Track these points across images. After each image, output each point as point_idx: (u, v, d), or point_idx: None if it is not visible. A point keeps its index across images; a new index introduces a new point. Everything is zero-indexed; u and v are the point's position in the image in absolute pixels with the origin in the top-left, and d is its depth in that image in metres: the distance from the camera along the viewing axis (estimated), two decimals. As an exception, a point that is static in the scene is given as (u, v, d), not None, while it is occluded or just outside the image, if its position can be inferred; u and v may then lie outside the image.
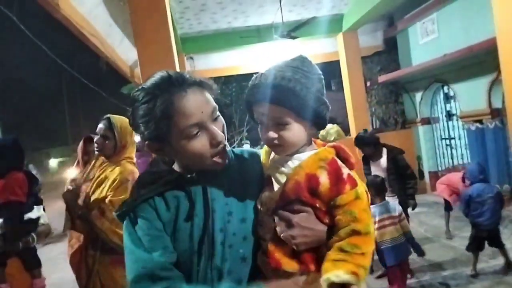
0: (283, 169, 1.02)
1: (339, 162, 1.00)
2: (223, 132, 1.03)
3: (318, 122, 1.02)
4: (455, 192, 4.46)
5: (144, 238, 0.98)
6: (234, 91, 12.88)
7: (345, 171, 0.99)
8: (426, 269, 4.00)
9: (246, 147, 9.47)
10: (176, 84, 0.98)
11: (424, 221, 5.64)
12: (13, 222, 2.29)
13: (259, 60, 7.92)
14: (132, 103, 1.02)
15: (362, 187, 1.00)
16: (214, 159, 1.01)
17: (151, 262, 0.95)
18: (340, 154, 1.02)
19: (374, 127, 8.04)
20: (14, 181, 2.37)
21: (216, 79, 10.59)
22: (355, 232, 0.94)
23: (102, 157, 2.45)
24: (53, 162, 30.50)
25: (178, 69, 3.15)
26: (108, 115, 2.44)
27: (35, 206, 2.45)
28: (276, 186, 1.02)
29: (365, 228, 0.95)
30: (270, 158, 1.09)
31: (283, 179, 1.00)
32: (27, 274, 2.35)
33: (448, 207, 4.83)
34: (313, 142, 1.07)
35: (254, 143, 11.13)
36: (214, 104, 1.02)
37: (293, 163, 1.01)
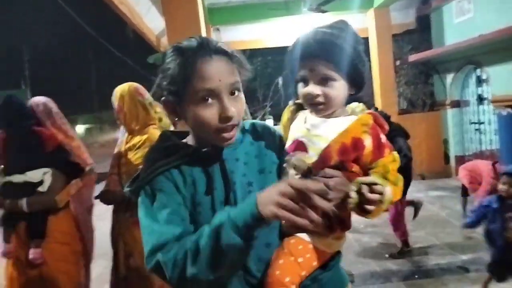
0: (320, 132, 1.03)
1: (378, 127, 1.03)
2: (239, 111, 0.99)
3: (358, 83, 1.07)
4: (477, 181, 4.35)
5: (162, 211, 0.96)
6: (259, 65, 12.75)
7: (383, 136, 1.04)
8: (446, 252, 3.97)
9: (269, 122, 9.44)
10: (204, 47, 0.97)
11: (447, 205, 5.57)
12: None
13: (286, 33, 7.78)
14: (163, 57, 1.03)
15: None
16: (220, 134, 0.98)
17: (167, 234, 0.93)
18: (376, 120, 1.04)
19: (401, 107, 7.86)
20: None
21: (241, 52, 10.52)
22: (386, 179, 1.00)
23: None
24: (79, 128, 31.25)
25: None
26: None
27: (39, 169, 2.34)
28: (311, 149, 1.02)
29: (395, 180, 1.02)
30: (296, 123, 1.10)
31: (321, 142, 1.01)
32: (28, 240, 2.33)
33: (465, 193, 4.74)
34: (346, 107, 1.10)
35: (277, 119, 11.08)
36: (237, 79, 0.99)
37: (332, 127, 1.03)
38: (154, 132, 2.38)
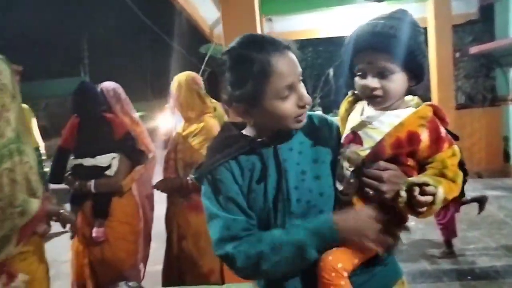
0: (376, 124, 1.02)
1: (437, 120, 1.00)
2: None
3: (418, 75, 1.04)
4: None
5: (222, 201, 1.05)
6: (310, 55, 12.62)
7: (443, 129, 1.01)
8: (501, 254, 3.78)
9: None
10: (271, 44, 1.01)
11: (505, 205, 5.28)
12: (54, 164, 2.49)
13: (339, 24, 7.63)
14: (221, 65, 1.04)
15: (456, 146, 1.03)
16: (296, 120, 1.04)
17: (233, 223, 1.02)
18: (436, 113, 1.01)
19: (459, 102, 7.51)
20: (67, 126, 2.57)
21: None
22: (443, 175, 0.97)
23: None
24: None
25: (259, 31, 3.14)
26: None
27: (108, 154, 2.48)
28: (366, 142, 1.02)
29: (454, 176, 0.98)
30: (353, 114, 1.10)
31: (376, 135, 1.01)
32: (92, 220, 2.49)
33: None
34: (404, 99, 1.07)
35: (326, 111, 10.93)
36: (300, 68, 1.05)
37: (388, 119, 1.01)
38: (210, 121, 2.46)
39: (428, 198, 0.92)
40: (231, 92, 1.03)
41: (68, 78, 23.54)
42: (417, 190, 0.93)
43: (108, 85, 2.75)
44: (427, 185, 0.93)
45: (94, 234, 2.43)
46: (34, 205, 1.74)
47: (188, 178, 2.41)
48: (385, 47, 0.98)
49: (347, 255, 1.00)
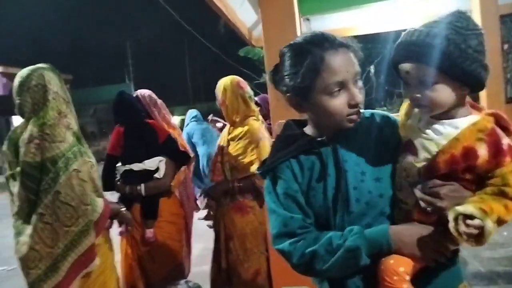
0: (432, 135, 0.99)
1: (499, 131, 0.94)
2: (362, 97, 1.06)
3: (470, 83, 0.96)
4: None
5: (282, 198, 1.09)
6: (348, 54, 12.41)
7: (505, 141, 0.94)
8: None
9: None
10: (328, 41, 1.04)
11: None
12: (104, 172, 2.54)
13: (378, 20, 7.45)
14: (280, 56, 1.09)
15: None
16: (348, 119, 1.05)
17: (290, 221, 1.07)
18: (499, 122, 0.96)
19: (509, 96, 7.13)
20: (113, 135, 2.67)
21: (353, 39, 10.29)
22: (502, 193, 0.91)
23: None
24: (175, 119, 33.31)
25: (299, 31, 3.15)
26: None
27: (155, 158, 2.57)
28: (421, 153, 1.00)
29: None
30: (411, 120, 1.06)
31: (431, 146, 0.98)
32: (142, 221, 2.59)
33: None
34: (467, 105, 1.01)
35: (368, 109, 10.69)
36: (358, 68, 1.05)
37: (444, 129, 0.97)
38: (254, 124, 2.52)
39: (472, 231, 0.88)
40: (286, 82, 1.07)
41: (114, 84, 24.50)
42: (462, 220, 0.89)
43: (144, 92, 2.86)
44: (472, 217, 0.88)
45: (146, 235, 2.54)
46: (101, 202, 1.91)
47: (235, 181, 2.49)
48: (420, 57, 0.94)
49: (408, 259, 0.99)
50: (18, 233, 1.84)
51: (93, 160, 1.97)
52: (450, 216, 0.91)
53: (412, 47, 0.95)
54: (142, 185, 2.52)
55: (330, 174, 1.08)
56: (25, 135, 1.83)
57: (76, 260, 1.81)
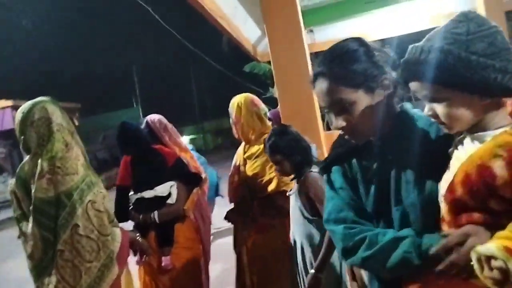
0: (460, 150, 0.92)
1: None
2: None
3: (487, 91, 0.86)
4: None
5: (339, 191, 1.16)
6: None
7: None
8: None
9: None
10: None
11: None
12: (116, 204, 2.45)
13: (384, 26, 7.43)
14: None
15: None
16: None
17: (346, 208, 1.13)
18: None
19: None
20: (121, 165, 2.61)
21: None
22: None
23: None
24: (185, 139, 33.55)
25: (305, 43, 3.12)
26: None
27: (166, 184, 2.52)
28: (448, 172, 0.94)
29: None
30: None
31: (456, 164, 0.90)
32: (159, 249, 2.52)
33: None
34: (504, 112, 0.90)
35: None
36: (334, 96, 1.09)
37: (469, 145, 0.89)
38: None
39: (495, 275, 0.76)
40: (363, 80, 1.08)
41: (122, 109, 24.77)
42: (485, 262, 0.78)
43: (154, 117, 2.83)
44: (495, 258, 0.76)
45: (163, 263, 2.46)
46: (119, 232, 1.86)
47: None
48: (422, 75, 0.88)
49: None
50: (38, 275, 1.77)
51: (104, 190, 1.92)
52: (473, 258, 0.80)
53: (413, 66, 0.91)
54: (155, 212, 2.46)
55: (375, 177, 1.10)
56: (36, 171, 1.78)
57: None
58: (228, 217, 2.60)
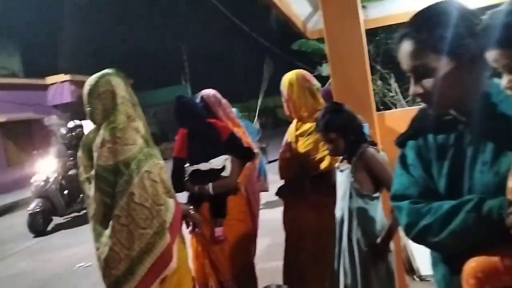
0: None
1: None
2: None
3: None
4: None
5: (410, 168, 1.13)
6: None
7: None
8: None
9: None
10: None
11: None
12: (173, 175, 2.54)
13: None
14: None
15: None
16: None
17: (411, 185, 1.10)
18: None
19: None
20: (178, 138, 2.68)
21: (387, 28, 9.84)
22: None
23: None
24: (234, 112, 33.72)
25: (361, 18, 3.02)
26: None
27: (220, 157, 2.58)
28: None
29: None
30: None
31: None
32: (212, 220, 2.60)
33: None
34: None
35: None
36: (416, 60, 1.03)
37: None
38: None
39: None
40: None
41: (171, 86, 25.32)
42: None
43: (208, 92, 2.88)
44: None
45: (216, 234, 2.55)
46: (173, 203, 1.95)
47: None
48: (503, 42, 0.82)
49: (496, 267, 0.89)
50: (98, 235, 1.90)
51: (161, 162, 2.00)
52: None
53: (494, 31, 0.83)
54: (210, 184, 2.54)
55: (451, 156, 1.05)
56: (98, 140, 1.89)
57: (153, 264, 1.83)
58: (280, 193, 2.63)
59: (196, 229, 2.36)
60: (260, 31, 14.99)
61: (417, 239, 1.08)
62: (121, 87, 1.96)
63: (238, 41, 30.30)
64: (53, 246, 6.86)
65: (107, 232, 1.85)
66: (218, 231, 2.54)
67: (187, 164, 2.67)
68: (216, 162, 2.56)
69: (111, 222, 1.83)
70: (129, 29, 31.00)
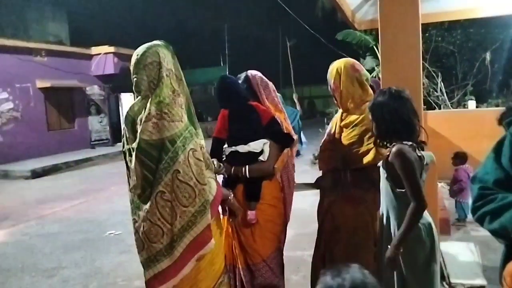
0: None
1: None
2: None
3: None
4: None
5: (498, 153, 1.16)
6: (459, 38, 11.34)
7: None
8: None
9: (471, 104, 8.35)
10: None
11: None
12: (211, 154, 2.45)
13: (496, 1, 6.65)
14: None
15: None
16: None
17: (491, 172, 1.14)
18: None
19: None
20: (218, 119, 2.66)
21: (438, 25, 9.45)
22: None
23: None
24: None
25: (420, 11, 2.90)
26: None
27: (259, 140, 2.55)
28: None
29: None
30: None
31: None
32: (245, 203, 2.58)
33: None
34: None
35: (480, 101, 9.73)
36: None
37: None
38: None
39: None
40: None
41: (209, 67, 25.43)
42: None
43: (255, 73, 2.81)
44: None
45: (248, 217, 2.54)
46: (215, 184, 1.95)
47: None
48: None
49: None
50: (136, 208, 1.91)
51: (202, 141, 1.98)
52: None
53: None
54: (246, 166, 2.52)
55: None
56: (144, 113, 1.86)
57: (192, 242, 1.84)
58: (318, 183, 2.58)
59: (231, 218, 2.34)
60: (304, 18, 14.73)
61: (478, 223, 1.16)
62: (168, 59, 1.92)
63: (280, 27, 29.97)
64: (87, 210, 7.12)
65: (147, 206, 1.84)
66: (251, 214, 2.53)
67: (225, 146, 2.66)
68: (255, 146, 2.53)
69: (154, 197, 1.82)
70: (175, 7, 31.27)
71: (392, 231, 1.97)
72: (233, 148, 2.58)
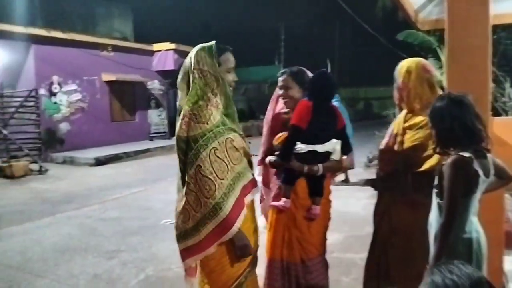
0: None
1: None
2: None
3: None
4: None
5: None
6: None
7: None
8: None
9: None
10: None
11: None
12: (288, 143, 2.47)
13: None
14: None
15: None
16: None
17: None
18: None
19: None
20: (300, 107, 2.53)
21: (507, 27, 8.85)
22: None
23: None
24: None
25: (489, 7, 2.77)
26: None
27: (333, 140, 2.50)
28: None
29: None
30: None
31: None
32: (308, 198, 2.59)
33: None
34: None
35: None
36: None
37: None
38: None
39: None
40: None
41: (264, 66, 25.56)
42: None
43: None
44: None
45: (313, 211, 2.55)
46: (250, 173, 2.22)
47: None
48: None
49: None
50: (178, 189, 2.18)
51: (233, 135, 2.12)
52: None
53: None
54: (320, 165, 2.47)
55: None
56: (182, 111, 2.10)
57: (214, 229, 2.04)
58: (376, 185, 2.54)
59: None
60: (364, 17, 14.40)
61: None
62: (204, 61, 2.09)
63: (337, 27, 29.53)
64: (145, 199, 7.47)
65: (183, 191, 2.08)
66: (316, 209, 2.54)
67: (300, 144, 2.50)
68: (330, 146, 2.49)
69: (186, 185, 2.06)
70: (232, 6, 31.75)
71: (430, 241, 1.97)
72: (311, 147, 2.46)
